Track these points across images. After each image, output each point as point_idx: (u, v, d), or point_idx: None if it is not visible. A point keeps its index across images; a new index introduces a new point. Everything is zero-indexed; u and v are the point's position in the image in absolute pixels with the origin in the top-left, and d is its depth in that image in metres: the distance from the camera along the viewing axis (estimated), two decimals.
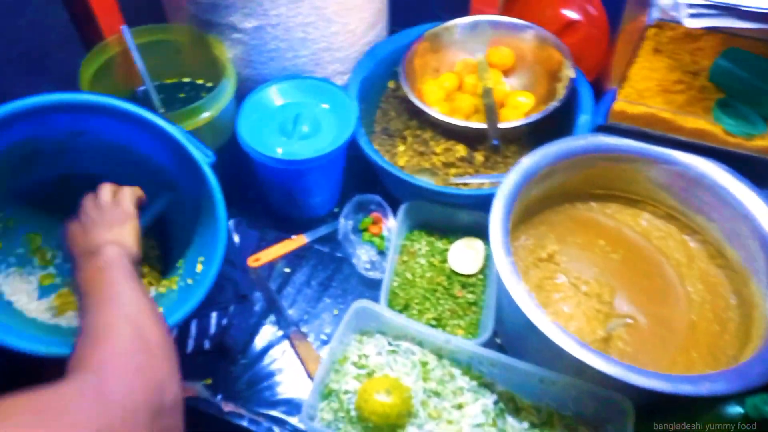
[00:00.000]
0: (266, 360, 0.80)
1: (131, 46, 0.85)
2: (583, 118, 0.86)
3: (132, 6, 0.89)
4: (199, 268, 0.73)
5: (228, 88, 0.85)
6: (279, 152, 0.81)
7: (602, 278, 0.78)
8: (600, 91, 0.91)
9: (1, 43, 0.74)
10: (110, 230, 0.59)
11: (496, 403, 0.69)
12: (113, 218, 0.60)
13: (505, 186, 0.72)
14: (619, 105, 0.78)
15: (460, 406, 0.68)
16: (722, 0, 0.63)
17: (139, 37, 0.87)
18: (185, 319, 0.68)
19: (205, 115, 0.81)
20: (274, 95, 0.88)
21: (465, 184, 0.85)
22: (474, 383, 0.70)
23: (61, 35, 0.84)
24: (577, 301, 0.76)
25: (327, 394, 0.69)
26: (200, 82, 0.97)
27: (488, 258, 0.84)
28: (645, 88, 0.79)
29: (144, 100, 0.89)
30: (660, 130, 0.78)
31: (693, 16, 0.63)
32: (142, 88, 0.91)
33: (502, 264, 0.65)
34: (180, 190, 0.75)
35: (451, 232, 0.87)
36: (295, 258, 0.89)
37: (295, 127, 0.83)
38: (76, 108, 0.63)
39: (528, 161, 0.75)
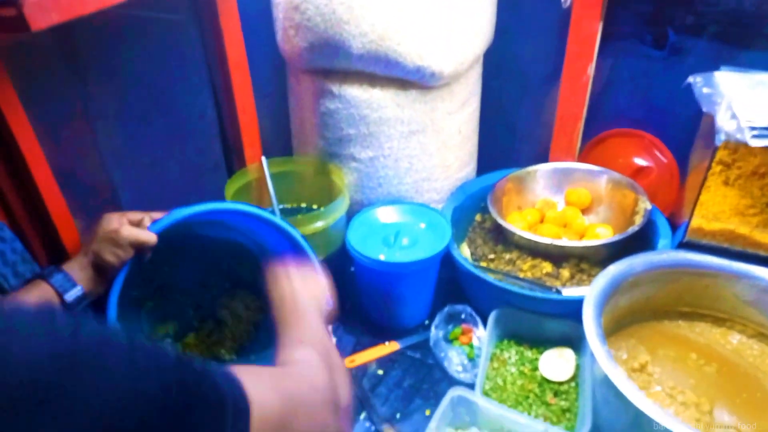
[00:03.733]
0: None
1: (267, 174, 1.03)
2: (662, 242, 0.93)
3: (268, 140, 1.10)
4: None
5: (342, 204, 0.99)
6: (381, 258, 0.91)
7: (699, 389, 0.78)
8: (675, 226, 0.99)
9: (175, 164, 0.93)
10: None
11: None
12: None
13: (594, 289, 0.78)
14: (696, 222, 0.86)
15: None
16: None
17: (273, 166, 1.06)
18: None
19: (319, 224, 0.95)
20: (380, 215, 1.01)
21: (557, 290, 0.90)
22: None
23: (213, 161, 1.04)
24: (674, 411, 0.75)
25: None
26: (315, 206, 1.13)
27: (579, 367, 0.86)
28: (719, 210, 0.86)
29: None
30: (739, 246, 0.84)
31: (756, 137, 0.73)
32: (269, 209, 1.07)
33: (600, 356, 0.68)
34: None
35: (540, 342, 0.91)
36: (388, 362, 0.94)
37: (396, 239, 0.95)
38: (235, 213, 0.76)
39: (615, 269, 0.81)
